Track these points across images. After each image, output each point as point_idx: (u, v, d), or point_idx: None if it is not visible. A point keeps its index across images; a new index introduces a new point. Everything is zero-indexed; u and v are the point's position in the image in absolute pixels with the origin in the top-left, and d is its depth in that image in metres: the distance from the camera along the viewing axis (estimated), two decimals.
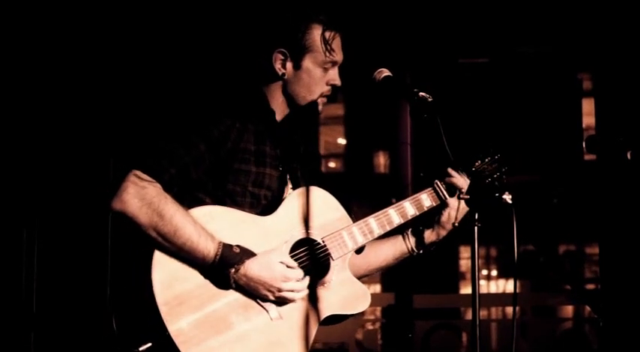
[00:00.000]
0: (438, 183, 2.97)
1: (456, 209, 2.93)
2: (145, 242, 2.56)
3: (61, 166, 4.90)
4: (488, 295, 8.55)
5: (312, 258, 2.76)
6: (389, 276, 11.00)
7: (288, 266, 2.66)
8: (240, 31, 4.59)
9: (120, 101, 4.97)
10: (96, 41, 4.93)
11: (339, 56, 2.86)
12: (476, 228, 2.66)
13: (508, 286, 11.67)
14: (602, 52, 5.58)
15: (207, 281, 2.57)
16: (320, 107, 2.90)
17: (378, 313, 9.05)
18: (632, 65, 5.37)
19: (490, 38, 5.80)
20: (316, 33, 2.82)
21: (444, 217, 2.98)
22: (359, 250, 2.90)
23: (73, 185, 4.90)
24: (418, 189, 3.02)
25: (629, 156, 2.93)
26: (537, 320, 6.87)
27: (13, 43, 4.88)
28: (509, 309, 7.20)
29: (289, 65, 2.82)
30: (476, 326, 2.66)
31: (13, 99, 4.94)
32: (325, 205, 2.83)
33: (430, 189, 2.97)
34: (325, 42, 2.81)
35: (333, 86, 2.88)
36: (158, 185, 2.57)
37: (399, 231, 3.02)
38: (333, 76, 2.87)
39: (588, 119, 5.83)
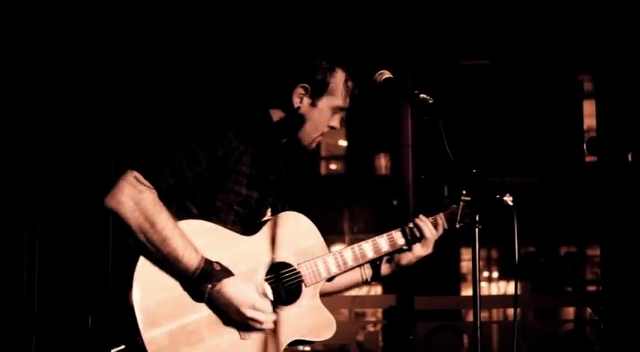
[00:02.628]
0: (406, 227, 3.13)
1: (417, 254, 3.09)
2: (134, 243, 2.62)
3: (62, 166, 4.90)
4: (490, 297, 8.55)
5: (286, 283, 2.84)
6: (390, 278, 11.01)
7: (262, 294, 2.75)
8: (267, 56, 4.63)
9: (121, 101, 4.98)
10: (100, 41, 4.93)
11: (349, 104, 3.00)
12: (477, 229, 2.66)
13: (509, 288, 11.68)
14: (602, 54, 5.58)
15: (185, 293, 2.64)
16: (313, 147, 3.03)
17: (379, 315, 9.06)
18: (632, 66, 5.37)
19: (491, 40, 5.81)
20: (340, 78, 2.95)
21: (404, 260, 3.11)
22: (329, 279, 2.99)
23: (74, 185, 4.90)
24: (419, 191, 3.07)
25: (629, 157, 2.93)
26: (538, 322, 6.88)
27: (14, 42, 4.88)
28: (510, 311, 7.20)
29: (306, 101, 2.93)
30: (477, 328, 2.66)
31: (14, 100, 4.94)
32: (305, 231, 2.93)
33: (400, 229, 3.13)
34: (347, 89, 2.96)
35: (332, 128, 3.02)
36: (155, 192, 2.64)
37: None
38: (337, 120, 3.01)
39: (589, 121, 5.83)
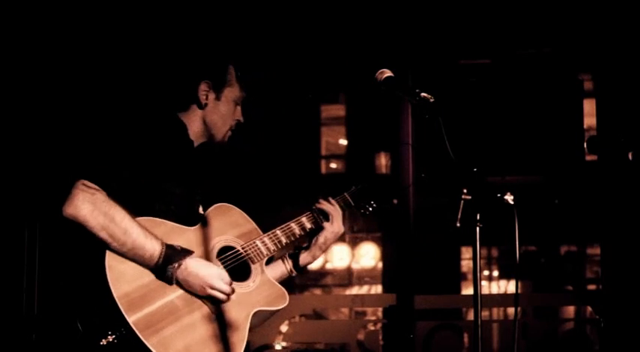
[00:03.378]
0: (311, 212, 3.34)
1: (331, 231, 3.33)
2: (95, 244, 2.78)
3: (62, 166, 4.90)
4: (490, 296, 8.54)
5: (235, 262, 3.08)
6: (390, 277, 11.01)
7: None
8: (167, 58, 4.71)
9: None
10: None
11: (245, 94, 3.19)
12: (477, 228, 2.66)
13: (510, 287, 11.69)
14: (603, 53, 5.58)
15: (155, 279, 2.85)
16: (226, 141, 3.21)
17: (380, 314, 9.06)
18: (633, 66, 5.37)
19: (491, 39, 5.81)
20: (233, 72, 3.15)
21: (320, 239, 3.33)
22: (268, 261, 3.24)
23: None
24: (419, 190, 3.12)
25: (630, 156, 2.94)
26: (539, 321, 6.88)
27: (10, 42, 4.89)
28: (511, 310, 7.19)
29: (211, 96, 3.12)
30: (477, 327, 2.67)
31: (14, 100, 4.94)
32: (238, 219, 3.18)
33: (309, 213, 3.34)
34: (240, 79, 3.15)
35: (238, 122, 3.21)
36: (104, 192, 2.81)
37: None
38: (239, 112, 3.20)
39: (590, 120, 5.83)
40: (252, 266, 3.12)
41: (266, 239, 3.19)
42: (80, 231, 2.78)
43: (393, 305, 5.80)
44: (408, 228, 5.75)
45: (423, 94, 2.79)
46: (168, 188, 2.98)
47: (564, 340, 6.34)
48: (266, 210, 3.58)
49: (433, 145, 2.75)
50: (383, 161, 10.34)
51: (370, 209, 3.52)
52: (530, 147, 5.41)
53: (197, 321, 2.90)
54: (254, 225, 3.21)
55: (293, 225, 3.28)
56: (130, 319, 2.72)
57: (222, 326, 2.94)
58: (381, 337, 6.29)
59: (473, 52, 6.00)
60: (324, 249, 3.36)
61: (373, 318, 10.28)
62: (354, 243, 11.35)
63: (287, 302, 3.18)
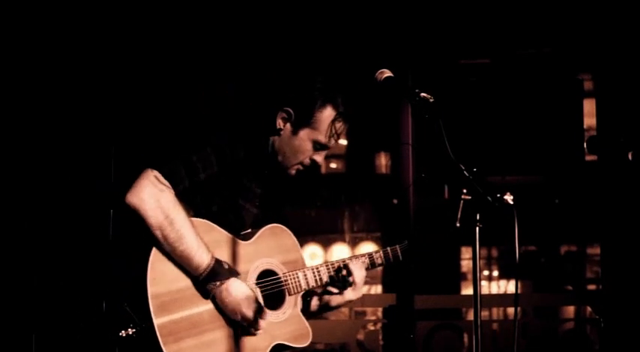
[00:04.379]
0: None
1: (347, 299, 3.18)
2: (146, 238, 2.74)
3: (62, 164, 4.90)
4: (490, 295, 8.54)
5: (272, 289, 3.02)
6: (390, 277, 11.01)
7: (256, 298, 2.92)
8: (263, 80, 4.70)
9: (119, 100, 5.00)
10: (106, 40, 4.95)
11: (336, 144, 3.09)
12: (477, 228, 2.66)
13: (509, 287, 11.68)
14: (603, 53, 5.58)
15: (192, 287, 2.82)
16: (293, 173, 3.09)
17: (380, 313, 9.06)
18: (633, 65, 5.37)
19: (491, 39, 5.81)
20: (327, 114, 3.01)
21: (333, 303, 3.21)
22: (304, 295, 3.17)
23: (73, 185, 4.90)
24: (419, 190, 3.12)
25: (630, 156, 2.94)
26: (539, 321, 6.88)
27: (11, 37, 4.88)
28: (511, 310, 7.20)
29: (288, 127, 3.02)
30: (477, 327, 2.67)
31: (13, 97, 4.94)
32: (290, 245, 3.11)
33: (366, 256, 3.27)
34: (334, 130, 3.01)
35: (314, 163, 3.08)
36: (173, 191, 2.76)
37: None
38: (320, 155, 3.08)
39: (589, 120, 5.83)
40: (287, 298, 3.05)
41: (308, 273, 3.10)
42: (137, 221, 2.73)
43: (393, 305, 5.80)
44: (408, 228, 5.75)
45: (422, 94, 2.79)
46: (232, 195, 2.94)
47: (564, 340, 6.34)
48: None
49: (433, 145, 2.75)
50: (383, 161, 10.34)
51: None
52: (530, 147, 5.40)
53: (218, 340, 2.85)
54: (301, 253, 3.14)
55: (334, 266, 3.19)
56: (156, 321, 2.69)
57: (239, 349, 2.90)
58: (380, 337, 6.29)
59: (473, 51, 6.00)
60: (328, 310, 3.26)
61: (373, 318, 10.27)
62: (354, 243, 11.34)
63: (308, 343, 3.09)
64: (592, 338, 6.28)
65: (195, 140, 2.91)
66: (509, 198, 2.73)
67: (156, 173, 2.74)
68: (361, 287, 3.20)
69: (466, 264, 11.51)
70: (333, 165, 12.53)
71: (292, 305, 3.06)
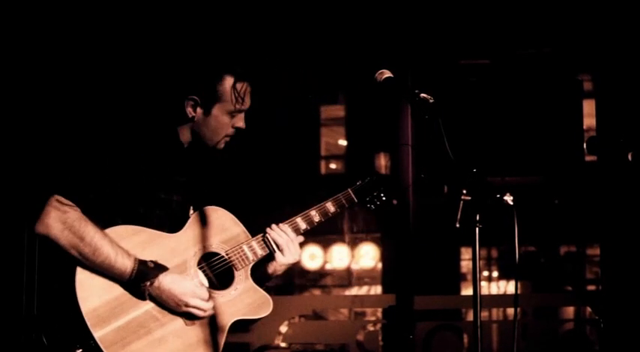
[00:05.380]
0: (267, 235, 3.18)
1: (281, 263, 3.15)
2: (67, 260, 2.79)
3: (39, 179, 4.89)
4: (490, 296, 8.54)
5: (217, 269, 3.02)
6: (390, 278, 11.01)
7: (197, 283, 2.93)
8: (155, 72, 4.66)
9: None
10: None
11: (247, 104, 3.08)
12: (477, 229, 2.66)
13: (509, 287, 11.68)
14: (602, 54, 5.58)
15: (125, 293, 2.83)
16: (222, 146, 3.11)
17: (379, 314, 9.06)
18: (632, 66, 5.37)
19: (491, 40, 5.81)
20: (228, 84, 3.03)
21: (270, 269, 3.18)
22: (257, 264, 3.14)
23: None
24: (418, 190, 3.09)
25: (630, 157, 2.94)
26: (538, 321, 6.88)
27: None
28: (511, 310, 7.20)
29: (199, 110, 3.04)
30: (477, 328, 2.66)
31: (13, 101, 4.93)
32: (226, 222, 3.09)
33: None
34: (236, 93, 3.03)
35: (238, 129, 3.10)
36: (78, 209, 2.80)
37: None
38: (239, 120, 3.09)
39: (589, 120, 5.83)
40: (236, 273, 3.04)
41: (254, 243, 3.10)
42: (54, 248, 2.79)
43: (393, 305, 5.80)
44: (408, 228, 5.75)
45: (422, 95, 2.79)
46: (154, 192, 2.95)
47: (564, 340, 6.34)
48: (265, 211, 3.57)
49: (433, 146, 2.75)
50: (382, 161, 10.34)
51: (378, 202, 3.41)
52: (530, 148, 5.40)
53: (168, 334, 2.86)
54: (242, 228, 3.12)
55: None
56: (97, 334, 2.72)
57: (195, 339, 2.90)
58: (380, 338, 6.29)
59: (473, 52, 6.00)
60: (272, 278, 3.21)
61: (373, 319, 10.28)
62: (353, 244, 11.34)
63: (270, 310, 3.07)
64: (592, 339, 6.29)
65: (93, 153, 2.96)
66: (509, 198, 2.73)
67: (57, 197, 2.79)
68: (291, 249, 3.15)
69: (466, 265, 11.52)
70: (332, 166, 12.54)
71: (243, 279, 3.04)
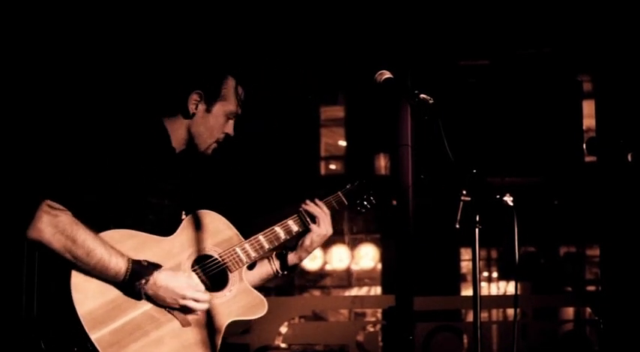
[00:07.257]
0: (298, 214, 3.28)
1: (318, 234, 3.27)
2: (62, 264, 2.80)
3: (29, 184, 4.88)
4: (489, 297, 8.55)
5: (211, 272, 3.04)
6: (390, 278, 11.01)
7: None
8: (160, 63, 4.65)
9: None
10: None
11: (240, 110, 3.14)
12: (477, 229, 2.66)
13: (509, 288, 11.68)
14: (602, 54, 5.58)
15: (121, 295, 2.84)
16: (210, 153, 3.15)
17: (379, 315, 9.06)
18: (632, 67, 5.37)
19: (491, 40, 5.81)
20: (231, 85, 3.10)
21: (307, 242, 3.27)
22: (251, 266, 3.21)
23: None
24: (417, 191, 3.09)
25: (629, 158, 2.94)
26: (538, 322, 6.88)
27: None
28: (510, 311, 7.20)
29: (201, 107, 3.08)
30: (477, 328, 2.66)
31: (12, 102, 4.93)
32: (219, 225, 3.12)
33: (295, 215, 3.28)
34: (238, 96, 3.11)
35: (227, 136, 3.15)
36: (69, 212, 2.80)
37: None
38: (231, 126, 3.15)
39: (589, 121, 5.83)
40: (230, 275, 3.06)
41: (247, 245, 3.13)
42: (47, 252, 2.80)
43: (393, 306, 5.80)
44: (408, 229, 5.75)
45: (422, 96, 2.79)
46: (146, 197, 2.96)
47: (564, 341, 6.34)
48: (265, 212, 3.57)
49: (432, 146, 2.75)
50: (382, 162, 10.34)
51: (368, 205, 3.45)
52: (530, 149, 5.40)
53: (165, 336, 2.87)
54: (234, 231, 3.14)
55: (278, 229, 3.22)
56: (93, 337, 2.73)
57: (192, 340, 2.91)
58: (380, 338, 6.30)
59: (472, 52, 6.00)
60: (310, 251, 3.30)
61: (372, 320, 10.28)
62: (353, 245, 11.35)
63: (265, 310, 3.10)
64: (591, 340, 6.28)
65: (82, 156, 2.97)
66: (508, 199, 2.73)
67: (47, 201, 2.80)
68: (326, 220, 3.28)
69: (465, 265, 11.51)
70: (332, 166, 12.54)
71: (237, 281, 3.08)
